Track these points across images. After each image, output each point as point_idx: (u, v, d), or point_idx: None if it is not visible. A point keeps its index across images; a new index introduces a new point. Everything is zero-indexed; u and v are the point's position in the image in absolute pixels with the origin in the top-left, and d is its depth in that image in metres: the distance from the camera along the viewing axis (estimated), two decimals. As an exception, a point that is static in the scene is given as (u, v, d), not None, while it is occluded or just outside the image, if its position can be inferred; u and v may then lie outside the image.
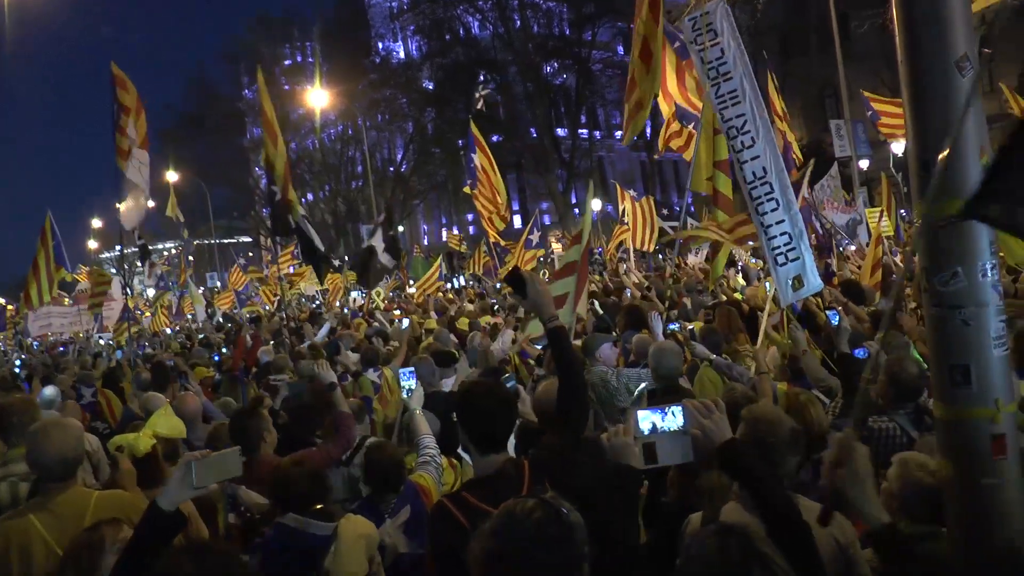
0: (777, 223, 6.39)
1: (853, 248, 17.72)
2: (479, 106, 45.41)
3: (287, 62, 69.52)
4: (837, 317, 6.80)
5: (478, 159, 17.79)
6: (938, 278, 3.26)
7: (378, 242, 14.15)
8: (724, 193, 7.42)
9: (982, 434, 3.23)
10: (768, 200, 6.34)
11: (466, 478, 6.06)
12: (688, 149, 9.29)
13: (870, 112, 19.41)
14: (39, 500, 4.43)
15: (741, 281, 16.63)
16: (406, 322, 14.11)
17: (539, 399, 5.19)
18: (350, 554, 4.51)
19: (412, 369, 6.75)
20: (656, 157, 59.02)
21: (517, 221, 73.33)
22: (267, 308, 31.74)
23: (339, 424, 6.21)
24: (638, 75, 7.16)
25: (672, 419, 3.38)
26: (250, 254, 73.43)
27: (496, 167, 17.89)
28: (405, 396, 6.32)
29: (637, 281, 16.78)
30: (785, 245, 6.44)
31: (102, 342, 27.57)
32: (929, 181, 3.24)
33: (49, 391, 10.73)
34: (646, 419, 3.43)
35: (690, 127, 10.83)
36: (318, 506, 4.63)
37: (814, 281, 6.75)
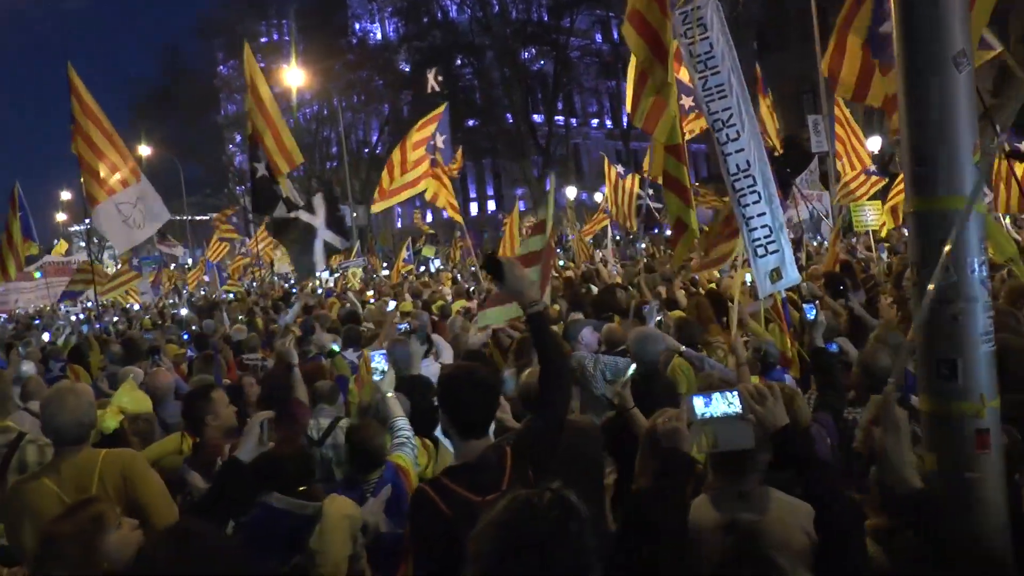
0: (759, 215, 6.43)
1: (815, 244, 17.79)
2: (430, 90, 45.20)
3: (263, 39, 68.91)
4: (813, 311, 6.82)
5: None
6: (928, 273, 3.28)
7: (317, 221, 13.45)
8: (678, 178, 7.36)
9: (966, 428, 3.26)
10: (751, 192, 6.38)
11: (442, 460, 6.07)
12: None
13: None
14: (53, 463, 4.61)
15: (715, 273, 16.66)
16: (392, 304, 14.06)
17: (526, 383, 5.18)
18: (335, 534, 4.48)
19: (384, 351, 6.63)
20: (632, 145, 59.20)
21: (491, 205, 73.43)
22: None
23: (291, 410, 6.02)
24: (648, 68, 7.08)
25: (728, 404, 3.35)
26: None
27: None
28: (376, 379, 6.22)
29: (611, 268, 16.83)
30: (765, 238, 6.48)
31: (72, 317, 27.35)
32: (924, 175, 3.26)
33: (26, 367, 10.66)
34: (702, 404, 3.41)
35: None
36: (302, 488, 4.57)
37: (792, 274, 6.79)
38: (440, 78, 50.15)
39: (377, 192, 15.97)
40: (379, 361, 6.41)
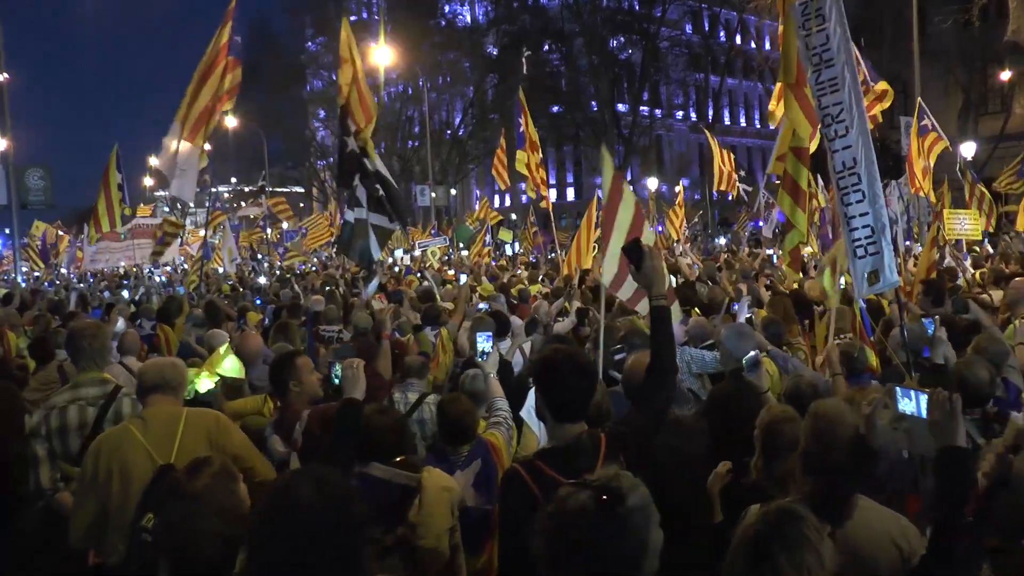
0: (861, 215, 6.24)
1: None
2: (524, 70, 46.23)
3: (352, 18, 69.29)
4: (932, 326, 6.59)
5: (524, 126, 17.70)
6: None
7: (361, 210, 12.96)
8: (796, 180, 7.35)
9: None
10: (854, 191, 6.19)
11: (524, 442, 6.06)
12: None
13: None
14: (139, 414, 4.87)
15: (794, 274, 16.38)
16: (464, 278, 14.07)
17: (629, 371, 5.14)
18: (436, 506, 4.48)
19: (489, 333, 6.57)
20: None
21: (570, 193, 73.22)
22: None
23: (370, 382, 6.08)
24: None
25: (918, 405, 3.20)
26: (301, 205, 73.88)
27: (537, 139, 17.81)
28: (480, 359, 6.16)
29: (691, 263, 16.69)
30: (867, 238, 6.28)
31: (157, 278, 27.97)
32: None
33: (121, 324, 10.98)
34: (903, 398, 3.26)
35: None
36: (399, 458, 4.54)
37: (891, 277, 6.58)
38: (527, 55, 50.90)
39: None
40: (483, 342, 6.36)
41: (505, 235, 34.06)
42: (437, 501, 4.50)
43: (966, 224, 16.29)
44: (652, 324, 4.10)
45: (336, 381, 4.86)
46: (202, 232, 29.79)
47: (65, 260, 34.74)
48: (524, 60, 47.45)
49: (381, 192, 9.92)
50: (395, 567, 4.24)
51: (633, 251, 4.02)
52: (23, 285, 27.72)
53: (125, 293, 20.95)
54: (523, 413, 6.09)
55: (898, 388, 3.28)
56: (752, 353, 6.02)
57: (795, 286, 12.69)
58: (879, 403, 3.29)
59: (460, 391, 6.14)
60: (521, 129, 17.57)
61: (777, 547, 2.63)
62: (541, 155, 17.86)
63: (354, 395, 4.28)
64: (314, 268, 30.00)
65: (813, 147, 7.79)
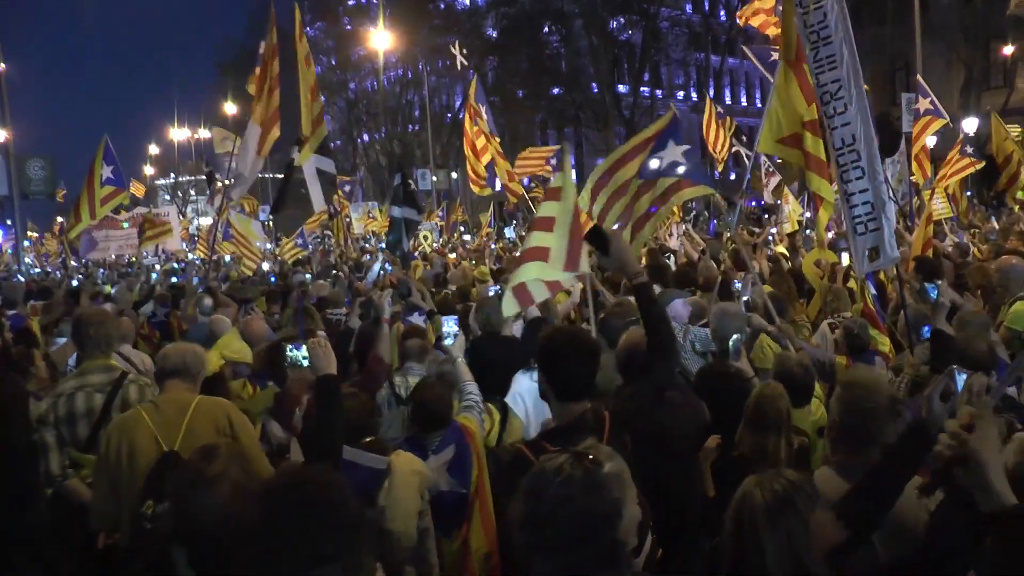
0: (860, 192, 6.29)
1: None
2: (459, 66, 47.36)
3: (351, 2, 69.16)
4: (936, 292, 6.58)
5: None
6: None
7: (398, 210, 13.62)
8: (816, 155, 7.29)
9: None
10: (854, 168, 6.24)
11: (510, 427, 6.09)
12: None
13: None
14: (153, 399, 4.93)
15: (783, 250, 16.35)
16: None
17: (624, 348, 5.16)
18: (405, 489, 4.49)
19: (455, 316, 6.57)
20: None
21: (572, 175, 72.96)
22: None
23: (369, 365, 6.11)
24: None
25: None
26: (303, 191, 73.68)
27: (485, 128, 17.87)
28: (447, 343, 6.19)
29: (697, 242, 16.65)
30: (867, 215, 6.33)
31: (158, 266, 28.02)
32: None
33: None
34: (961, 383, 3.12)
35: None
36: (369, 439, 4.57)
37: (891, 253, 6.62)
38: (464, 51, 51.57)
39: None
40: (450, 326, 6.36)
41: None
42: (406, 484, 4.50)
43: (938, 203, 16.28)
44: (639, 303, 4.12)
45: (304, 363, 4.83)
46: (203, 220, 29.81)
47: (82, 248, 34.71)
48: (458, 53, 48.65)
49: (413, 186, 10.11)
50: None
51: (597, 238, 4.02)
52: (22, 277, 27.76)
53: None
54: (508, 399, 6.12)
55: (957, 370, 3.21)
56: (735, 337, 6.02)
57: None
58: (939, 384, 3.23)
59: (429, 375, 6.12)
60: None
61: (760, 514, 2.65)
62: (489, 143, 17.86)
63: (329, 371, 4.15)
64: (309, 255, 29.91)
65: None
